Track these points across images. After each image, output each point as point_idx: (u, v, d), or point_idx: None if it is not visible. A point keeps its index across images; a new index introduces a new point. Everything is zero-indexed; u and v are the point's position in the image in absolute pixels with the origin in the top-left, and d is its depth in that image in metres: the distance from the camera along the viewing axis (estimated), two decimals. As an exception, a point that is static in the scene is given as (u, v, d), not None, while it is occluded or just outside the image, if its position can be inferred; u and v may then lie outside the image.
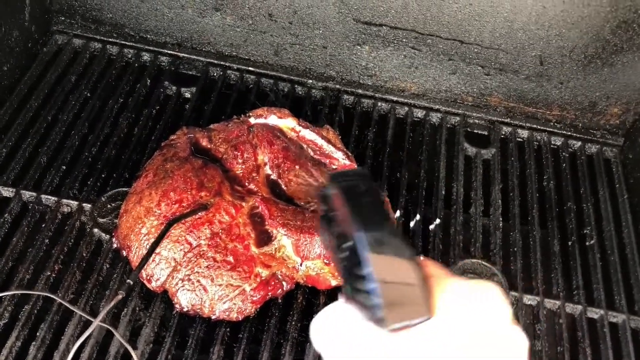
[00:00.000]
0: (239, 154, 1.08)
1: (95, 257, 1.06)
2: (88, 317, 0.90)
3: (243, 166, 1.08)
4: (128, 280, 0.86)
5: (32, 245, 1.05)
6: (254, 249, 0.99)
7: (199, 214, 0.99)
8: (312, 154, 1.15)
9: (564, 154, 1.32)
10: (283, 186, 1.08)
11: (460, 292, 0.58)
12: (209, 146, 1.11)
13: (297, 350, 1.00)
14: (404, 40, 1.26)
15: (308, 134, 1.15)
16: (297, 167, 1.09)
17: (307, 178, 1.09)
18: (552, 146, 1.33)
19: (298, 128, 1.15)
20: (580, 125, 1.35)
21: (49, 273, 1.02)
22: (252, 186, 1.06)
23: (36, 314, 0.98)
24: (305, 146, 1.15)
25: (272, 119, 1.15)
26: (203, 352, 0.98)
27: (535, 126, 1.35)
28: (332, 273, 1.02)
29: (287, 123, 1.15)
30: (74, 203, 1.11)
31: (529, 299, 1.10)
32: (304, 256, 1.00)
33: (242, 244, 0.99)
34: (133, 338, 0.98)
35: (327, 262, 1.00)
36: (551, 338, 1.07)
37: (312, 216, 1.02)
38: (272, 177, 1.09)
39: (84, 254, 1.05)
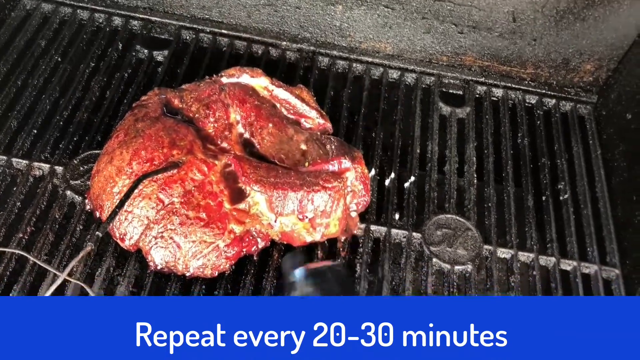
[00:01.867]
0: (210, 112, 1.08)
1: (68, 219, 1.05)
2: (56, 272, 0.90)
3: (215, 125, 1.07)
4: (97, 233, 0.86)
5: (3, 209, 1.04)
6: (227, 206, 0.99)
7: (171, 171, 0.98)
8: (285, 112, 1.14)
9: (538, 112, 1.33)
10: (256, 144, 1.08)
11: None
12: (180, 106, 1.10)
13: (272, 305, 1.00)
14: (377, -1, 1.26)
15: (281, 93, 1.14)
16: (270, 125, 1.09)
17: (281, 136, 1.09)
18: (526, 104, 1.34)
19: (271, 87, 1.14)
20: (554, 83, 1.36)
21: (21, 235, 1.01)
22: (224, 144, 1.06)
23: (8, 276, 0.98)
24: (278, 105, 1.14)
25: (245, 78, 1.14)
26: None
27: (509, 85, 1.35)
28: (306, 229, 1.02)
29: (260, 82, 1.14)
30: (46, 166, 1.10)
31: (503, 252, 1.11)
32: (277, 212, 1.00)
33: (215, 201, 0.99)
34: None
35: (301, 217, 1.00)
36: (525, 290, 1.08)
37: (286, 172, 1.02)
38: (244, 135, 1.08)
39: (57, 216, 1.05)
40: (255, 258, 1.03)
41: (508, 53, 1.31)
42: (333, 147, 1.08)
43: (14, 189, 1.07)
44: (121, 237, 0.98)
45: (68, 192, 1.07)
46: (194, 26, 1.35)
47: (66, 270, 0.84)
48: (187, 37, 1.34)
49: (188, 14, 1.35)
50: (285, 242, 1.05)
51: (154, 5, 1.35)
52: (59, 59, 1.26)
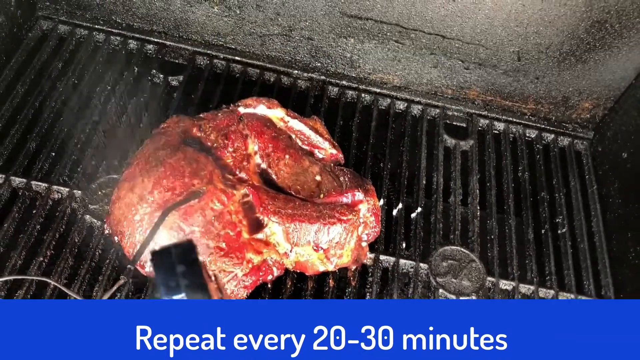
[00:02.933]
0: (229, 142, 1.11)
1: (86, 243, 1.08)
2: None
3: (234, 155, 1.10)
4: (129, 266, 0.89)
5: (24, 232, 1.06)
6: (245, 235, 1.02)
7: (192, 201, 1.01)
8: (300, 143, 1.18)
9: (537, 146, 1.38)
10: (273, 175, 1.11)
11: None
12: (199, 134, 1.13)
13: (286, 333, 1.04)
14: (389, 34, 1.30)
15: (296, 124, 1.18)
16: (286, 156, 1.12)
17: (296, 167, 1.12)
18: (526, 138, 1.39)
19: (287, 118, 1.18)
20: (553, 118, 1.41)
21: (41, 259, 1.03)
22: (242, 175, 1.09)
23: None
24: (293, 136, 1.18)
25: (261, 109, 1.18)
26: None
27: (511, 119, 1.41)
28: (320, 259, 1.06)
29: (276, 113, 1.18)
30: (65, 190, 1.12)
31: (505, 284, 1.16)
32: (294, 243, 1.04)
33: (234, 230, 1.02)
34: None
35: (316, 248, 1.04)
36: (525, 321, 1.13)
37: (303, 204, 1.05)
38: (262, 166, 1.12)
39: (76, 240, 1.07)
40: (269, 286, 1.07)
41: (511, 89, 1.37)
42: (346, 178, 1.12)
43: (34, 211, 1.09)
44: (142, 264, 1.01)
45: (87, 217, 1.09)
46: (208, 52, 1.38)
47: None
48: (201, 63, 1.38)
49: (202, 40, 1.39)
50: (298, 271, 1.08)
51: (169, 30, 1.38)
52: (76, 81, 1.28)
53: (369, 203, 1.09)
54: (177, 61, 1.37)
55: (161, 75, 1.33)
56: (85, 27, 1.37)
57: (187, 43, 1.39)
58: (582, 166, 1.37)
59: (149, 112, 1.26)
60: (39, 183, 1.12)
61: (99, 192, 1.12)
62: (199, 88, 1.32)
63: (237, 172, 1.09)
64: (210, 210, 1.02)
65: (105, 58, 1.34)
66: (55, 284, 0.99)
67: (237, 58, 1.39)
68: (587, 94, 1.35)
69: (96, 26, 1.37)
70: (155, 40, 1.38)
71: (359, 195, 1.09)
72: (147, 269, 1.00)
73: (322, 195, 1.09)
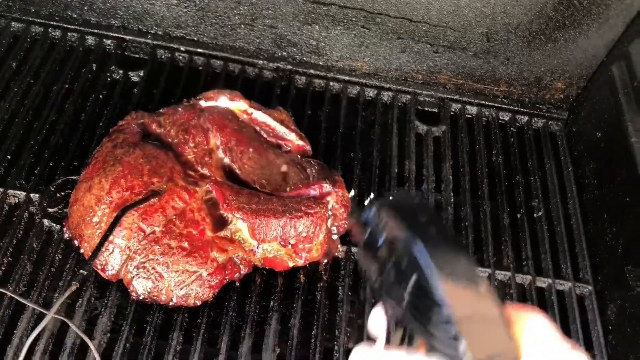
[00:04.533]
0: (190, 138, 1.07)
1: (46, 248, 1.04)
2: (41, 310, 0.88)
3: (195, 150, 1.07)
4: (81, 271, 0.85)
5: (-21, 239, 1.02)
6: (209, 234, 0.99)
7: (152, 200, 0.98)
8: (265, 136, 1.14)
9: (511, 128, 1.35)
10: (237, 169, 1.08)
11: (546, 337, 0.51)
12: (158, 131, 1.09)
13: (256, 331, 1.01)
14: (354, 19, 1.26)
15: (260, 116, 1.15)
16: (250, 149, 1.09)
17: (261, 161, 1.09)
18: (500, 121, 1.37)
19: (250, 110, 1.14)
20: (526, 100, 1.39)
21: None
22: (205, 170, 1.05)
23: (-14, 309, 0.96)
24: (257, 128, 1.14)
25: (223, 101, 1.14)
26: (162, 339, 0.98)
27: (483, 102, 1.38)
28: (289, 254, 1.02)
29: (239, 105, 1.14)
30: (22, 194, 1.08)
31: (481, 271, 1.13)
32: (260, 239, 1.00)
33: (197, 229, 0.98)
34: (89, 328, 0.97)
35: (284, 244, 1.01)
36: (502, 308, 1.11)
37: (268, 199, 1.02)
38: (225, 160, 1.08)
39: (34, 245, 1.03)
40: (237, 284, 1.04)
41: (482, 72, 1.34)
42: (313, 170, 1.09)
43: (-12, 218, 1.05)
44: (102, 267, 0.97)
45: (45, 221, 1.05)
46: (170, 45, 1.34)
47: (52, 309, 0.83)
48: (163, 57, 1.33)
49: (163, 33, 1.34)
50: (268, 267, 1.05)
51: (128, 23, 1.33)
52: (31, 81, 1.23)
53: (338, 194, 1.06)
54: (137, 56, 1.33)
55: (121, 71, 1.28)
56: (40, 24, 1.32)
57: (148, 37, 1.34)
58: (557, 148, 1.34)
59: (108, 109, 1.21)
60: (-6, 188, 1.08)
61: (57, 195, 1.08)
62: (161, 83, 1.28)
63: (199, 168, 1.06)
64: (172, 208, 0.98)
65: (62, 55, 1.29)
66: (12, 295, 0.95)
67: (199, 50, 1.35)
68: (560, 74, 1.32)
69: (52, 22, 1.32)
70: (114, 35, 1.33)
71: (327, 187, 1.05)
72: (109, 272, 0.97)
73: (288, 189, 1.06)
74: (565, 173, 1.30)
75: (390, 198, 0.57)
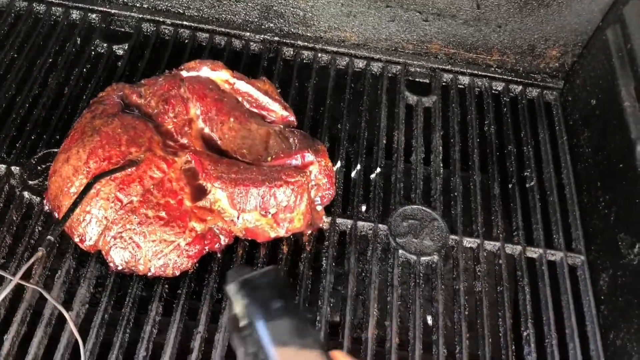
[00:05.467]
0: (169, 107, 1.05)
1: (26, 220, 1.03)
2: (8, 276, 0.87)
3: (175, 120, 1.05)
4: (49, 237, 0.84)
5: (-42, 212, 1.01)
6: (187, 203, 0.97)
7: (129, 170, 0.96)
8: (248, 106, 1.12)
9: (505, 98, 1.32)
10: (217, 139, 1.06)
11: None
12: (139, 101, 1.08)
13: (237, 303, 0.99)
14: (340, -13, 1.24)
15: (243, 86, 1.12)
16: (231, 119, 1.07)
17: (242, 131, 1.07)
18: (493, 91, 1.33)
19: (232, 80, 1.12)
20: (520, 69, 1.35)
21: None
22: (184, 140, 1.04)
23: (-35, 280, 0.96)
24: (240, 98, 1.12)
25: (205, 72, 1.12)
26: (141, 310, 0.97)
27: (476, 72, 1.34)
28: (269, 224, 1.01)
29: (221, 75, 1.12)
30: (2, 166, 1.07)
31: (469, 242, 1.11)
32: (240, 209, 0.99)
33: (175, 198, 0.97)
34: (70, 300, 0.96)
35: (264, 213, 0.99)
36: (491, 279, 1.09)
37: (247, 168, 1.00)
38: (205, 130, 1.06)
39: (14, 218, 1.02)
40: (219, 255, 1.02)
41: (473, 40, 1.30)
42: (296, 140, 1.07)
43: (-31, 191, 1.04)
44: (80, 238, 0.96)
45: (25, 193, 1.04)
46: (155, 18, 1.32)
47: (17, 275, 0.82)
48: (148, 30, 1.32)
49: (149, 5, 1.32)
50: (249, 238, 1.04)
51: (112, -3, 1.31)
52: (15, 55, 1.23)
53: (320, 164, 1.04)
54: (123, 29, 1.31)
55: (105, 45, 1.27)
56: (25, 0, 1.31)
57: (133, 10, 1.32)
58: (552, 117, 1.31)
59: (92, 82, 1.20)
60: (-25, 161, 1.07)
61: (39, 167, 1.07)
62: (145, 56, 1.26)
63: (179, 138, 1.04)
64: (149, 178, 0.97)
65: (46, 30, 1.28)
66: (-11, 264, 0.94)
67: (185, 23, 1.33)
68: (554, 41, 1.29)
69: (36, -3, 1.31)
70: (99, 9, 1.32)
71: (309, 157, 1.03)
72: (87, 242, 0.96)
73: (269, 159, 1.04)
74: (560, 142, 1.26)
75: (244, 277, 0.67)
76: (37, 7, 1.30)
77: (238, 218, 1.00)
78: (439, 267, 1.07)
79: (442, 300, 1.03)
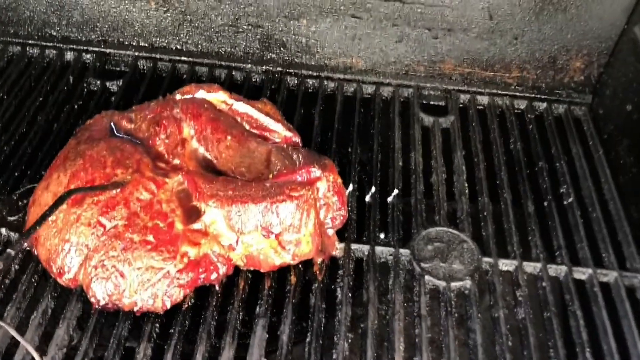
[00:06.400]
0: (161, 129, 0.96)
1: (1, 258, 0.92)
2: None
3: (166, 141, 0.95)
4: (8, 250, 0.72)
5: None
6: (179, 226, 0.86)
7: (114, 191, 0.86)
8: (248, 127, 1.03)
9: (529, 116, 1.21)
10: (213, 159, 0.96)
11: None
12: (129, 126, 0.99)
13: (239, 341, 0.85)
14: (342, 7, 1.17)
15: (241, 107, 1.04)
16: (228, 137, 0.97)
17: (241, 149, 0.97)
18: (516, 110, 1.23)
19: (230, 101, 1.04)
20: (543, 86, 1.25)
21: None
22: (176, 161, 0.94)
23: None
24: (239, 119, 1.03)
25: (201, 94, 1.04)
26: (127, 354, 0.83)
27: (495, 91, 1.25)
28: (273, 248, 0.88)
29: (218, 96, 1.04)
30: (-20, 203, 0.97)
31: (506, 264, 0.96)
32: (238, 230, 0.87)
33: (164, 221, 0.86)
34: (45, 343, 0.83)
35: (265, 234, 0.87)
36: (535, 304, 0.93)
37: (246, 184, 0.89)
38: (199, 151, 0.97)
39: (-11, 257, 0.91)
40: (217, 288, 0.89)
41: (489, 56, 1.21)
42: (300, 156, 0.96)
43: (-59, 230, 0.94)
44: (59, 271, 0.85)
45: (2, 230, 0.94)
46: (152, 55, 1.27)
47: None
48: (144, 67, 1.26)
49: (145, 43, 1.27)
50: (252, 268, 0.91)
51: (108, 35, 1.27)
52: (4, 96, 1.16)
53: (329, 179, 0.92)
54: (118, 68, 1.26)
55: (98, 82, 1.20)
56: (17, 44, 1.27)
57: (129, 49, 1.27)
58: (584, 132, 1.19)
59: (83, 118, 1.12)
60: (-49, 198, 0.98)
61: (19, 203, 0.97)
62: (140, 90, 1.19)
63: (171, 160, 0.94)
64: (136, 200, 0.86)
65: (38, 71, 1.23)
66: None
67: (183, 58, 1.27)
68: (576, 51, 1.19)
69: (29, 41, 1.27)
70: (94, 49, 1.27)
71: (316, 172, 0.92)
72: (66, 276, 0.84)
73: (271, 176, 0.93)
74: (596, 157, 1.14)
75: None
76: (30, 51, 1.26)
77: (237, 243, 0.88)
78: (472, 293, 0.92)
79: (480, 331, 0.88)
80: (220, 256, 0.87)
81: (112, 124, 0.99)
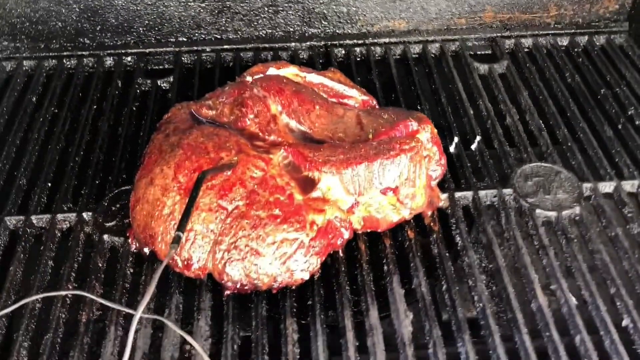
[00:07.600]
0: (247, 110, 0.94)
1: (113, 266, 0.88)
2: (128, 310, 0.72)
3: (256, 120, 0.93)
4: (173, 244, 0.70)
5: (36, 272, 0.86)
6: (298, 197, 0.84)
7: (225, 173, 0.84)
8: (325, 96, 1.02)
9: (576, 50, 1.24)
10: (308, 130, 0.94)
11: None
12: (210, 113, 0.97)
13: (379, 301, 0.84)
14: (381, -30, 1.18)
15: (315, 78, 1.03)
16: (316, 107, 0.96)
17: (331, 117, 0.96)
18: (561, 47, 1.25)
19: (302, 74, 1.02)
20: (580, 20, 1.28)
21: (63, 295, 0.83)
22: (272, 137, 0.92)
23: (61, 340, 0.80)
24: (316, 90, 1.02)
25: (272, 72, 1.02)
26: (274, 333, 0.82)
27: (537, 32, 1.27)
28: (392, 205, 0.88)
29: (289, 71, 1.02)
30: (72, 215, 0.93)
31: (605, 186, 0.98)
32: (356, 192, 0.86)
33: (283, 194, 0.84)
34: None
35: (384, 191, 0.86)
36: (645, 218, 0.95)
37: (354, 146, 0.88)
38: (291, 125, 0.95)
39: (100, 265, 0.88)
40: (341, 255, 0.88)
41: (527, -1, 1.24)
42: (392, 114, 0.96)
43: (42, 248, 0.90)
44: (186, 263, 0.82)
45: (105, 236, 0.90)
46: (193, 48, 1.24)
47: (141, 305, 0.67)
48: (189, 61, 1.23)
49: (184, 37, 1.24)
50: (369, 230, 0.90)
51: (145, 35, 1.23)
52: (56, 110, 1.12)
53: (426, 130, 0.92)
54: (162, 66, 1.22)
55: (148, 81, 1.17)
56: (53, 57, 1.22)
57: (169, 45, 1.24)
58: (630, 57, 1.23)
59: (146, 118, 1.09)
60: (40, 216, 0.93)
61: (112, 208, 0.94)
62: (194, 84, 1.16)
63: (267, 137, 0.92)
64: (250, 178, 0.84)
65: (81, 81, 1.18)
66: (94, 298, 0.79)
67: (226, 47, 1.24)
68: (610, -20, 1.23)
69: (64, 53, 1.22)
70: (132, 51, 1.23)
71: (414, 125, 0.92)
72: (195, 266, 0.81)
73: (370, 136, 0.92)
74: (652, 76, 1.17)
75: None
76: (68, 62, 1.22)
77: (356, 204, 0.87)
78: (584, 217, 0.93)
79: (605, 250, 0.89)
80: (342, 221, 0.86)
81: (191, 114, 0.97)
